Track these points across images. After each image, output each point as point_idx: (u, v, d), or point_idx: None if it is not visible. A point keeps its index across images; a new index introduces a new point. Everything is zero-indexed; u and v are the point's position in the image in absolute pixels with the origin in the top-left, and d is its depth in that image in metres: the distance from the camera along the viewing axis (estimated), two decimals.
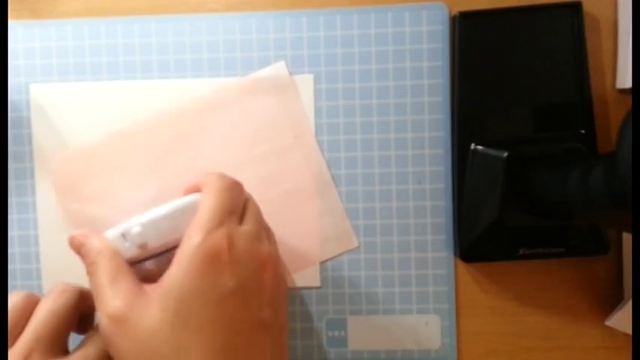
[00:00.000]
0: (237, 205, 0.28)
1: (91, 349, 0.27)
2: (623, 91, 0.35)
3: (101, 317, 0.25)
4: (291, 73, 0.36)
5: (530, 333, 0.36)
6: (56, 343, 0.27)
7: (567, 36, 0.35)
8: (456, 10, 0.35)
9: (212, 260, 0.25)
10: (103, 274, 0.26)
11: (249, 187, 0.30)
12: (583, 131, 0.35)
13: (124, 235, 0.28)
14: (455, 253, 0.36)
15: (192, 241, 0.25)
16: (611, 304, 0.35)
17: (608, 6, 0.35)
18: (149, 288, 0.26)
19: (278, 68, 0.36)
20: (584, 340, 0.36)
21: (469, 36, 0.35)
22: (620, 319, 0.34)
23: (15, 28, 0.37)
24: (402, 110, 0.36)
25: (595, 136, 0.35)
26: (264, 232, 0.29)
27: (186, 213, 0.27)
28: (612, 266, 0.36)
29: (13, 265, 0.37)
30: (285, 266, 0.36)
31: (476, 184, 0.35)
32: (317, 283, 0.36)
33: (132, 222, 0.28)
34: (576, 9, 0.35)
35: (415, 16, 0.36)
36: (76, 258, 0.37)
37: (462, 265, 0.36)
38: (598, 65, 0.36)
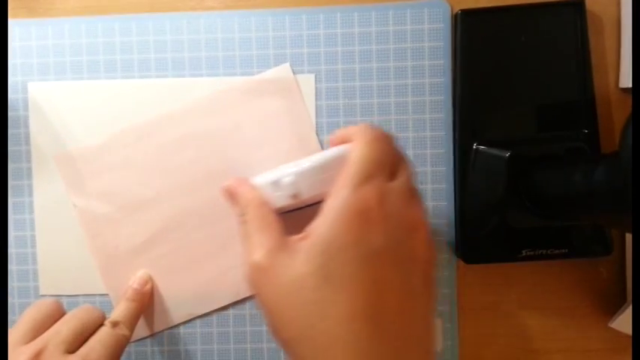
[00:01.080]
0: (387, 157, 0.26)
1: (97, 346, 0.29)
2: (626, 90, 0.35)
3: (246, 265, 0.25)
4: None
5: (533, 335, 0.36)
6: (73, 344, 0.28)
7: (570, 34, 0.34)
8: (457, 8, 0.35)
9: (360, 216, 0.23)
10: (250, 224, 0.26)
11: None
12: (586, 131, 0.34)
13: (275, 184, 0.28)
14: (457, 255, 0.36)
15: (340, 194, 0.24)
16: (614, 306, 0.35)
17: (611, 4, 0.35)
18: (294, 239, 0.25)
19: (283, 70, 0.36)
20: (587, 342, 0.36)
21: (471, 34, 0.35)
22: (624, 321, 0.34)
23: (11, 27, 0.36)
24: (403, 109, 0.36)
25: (598, 136, 0.34)
26: (416, 194, 0.27)
27: (337, 164, 0.26)
28: (615, 267, 0.36)
29: (10, 267, 0.37)
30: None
31: (478, 185, 0.34)
32: None
33: (284, 171, 0.28)
34: (579, 7, 0.34)
35: (416, 14, 0.35)
36: (73, 259, 0.37)
37: (463, 267, 0.36)
38: (601, 64, 0.35)
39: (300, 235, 0.25)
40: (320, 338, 0.23)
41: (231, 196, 0.29)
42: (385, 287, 0.23)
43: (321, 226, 0.24)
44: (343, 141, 0.27)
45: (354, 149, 0.25)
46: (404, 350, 0.23)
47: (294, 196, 0.27)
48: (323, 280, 0.23)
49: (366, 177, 0.24)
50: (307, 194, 0.27)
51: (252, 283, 0.25)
